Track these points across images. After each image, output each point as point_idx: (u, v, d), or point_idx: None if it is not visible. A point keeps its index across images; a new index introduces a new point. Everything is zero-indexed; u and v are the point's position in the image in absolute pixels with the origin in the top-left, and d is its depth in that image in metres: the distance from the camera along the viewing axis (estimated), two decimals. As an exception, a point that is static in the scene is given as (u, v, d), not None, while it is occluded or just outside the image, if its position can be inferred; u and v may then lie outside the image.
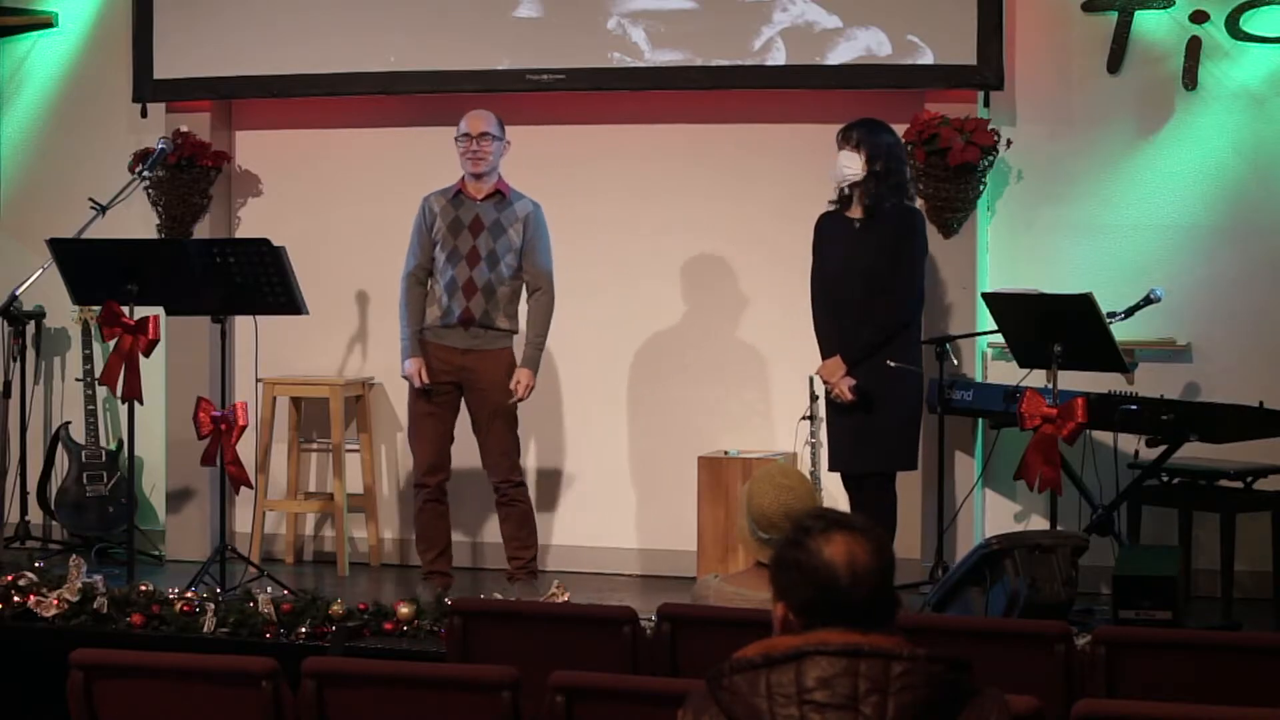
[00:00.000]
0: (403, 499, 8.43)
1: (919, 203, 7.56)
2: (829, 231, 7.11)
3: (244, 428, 7.23)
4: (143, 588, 6.87)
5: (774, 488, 4.57)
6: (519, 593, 7.12)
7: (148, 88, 8.49)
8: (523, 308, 7.38)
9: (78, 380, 8.55)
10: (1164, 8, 7.59)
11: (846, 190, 7.05)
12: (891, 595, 2.90)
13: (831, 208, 7.14)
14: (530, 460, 8.17)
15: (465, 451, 7.47)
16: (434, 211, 7.34)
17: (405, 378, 7.34)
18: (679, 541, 7.87)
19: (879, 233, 6.97)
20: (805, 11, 7.82)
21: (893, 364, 6.92)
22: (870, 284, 6.96)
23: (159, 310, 7.34)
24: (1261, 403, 6.97)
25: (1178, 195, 7.67)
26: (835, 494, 7.36)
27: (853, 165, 6.96)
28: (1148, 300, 7.24)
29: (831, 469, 7.17)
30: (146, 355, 7.22)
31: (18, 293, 7.96)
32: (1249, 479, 7.12)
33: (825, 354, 7.06)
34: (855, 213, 7.05)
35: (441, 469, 7.36)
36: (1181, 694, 4.37)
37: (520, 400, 7.24)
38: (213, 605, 6.69)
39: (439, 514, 7.39)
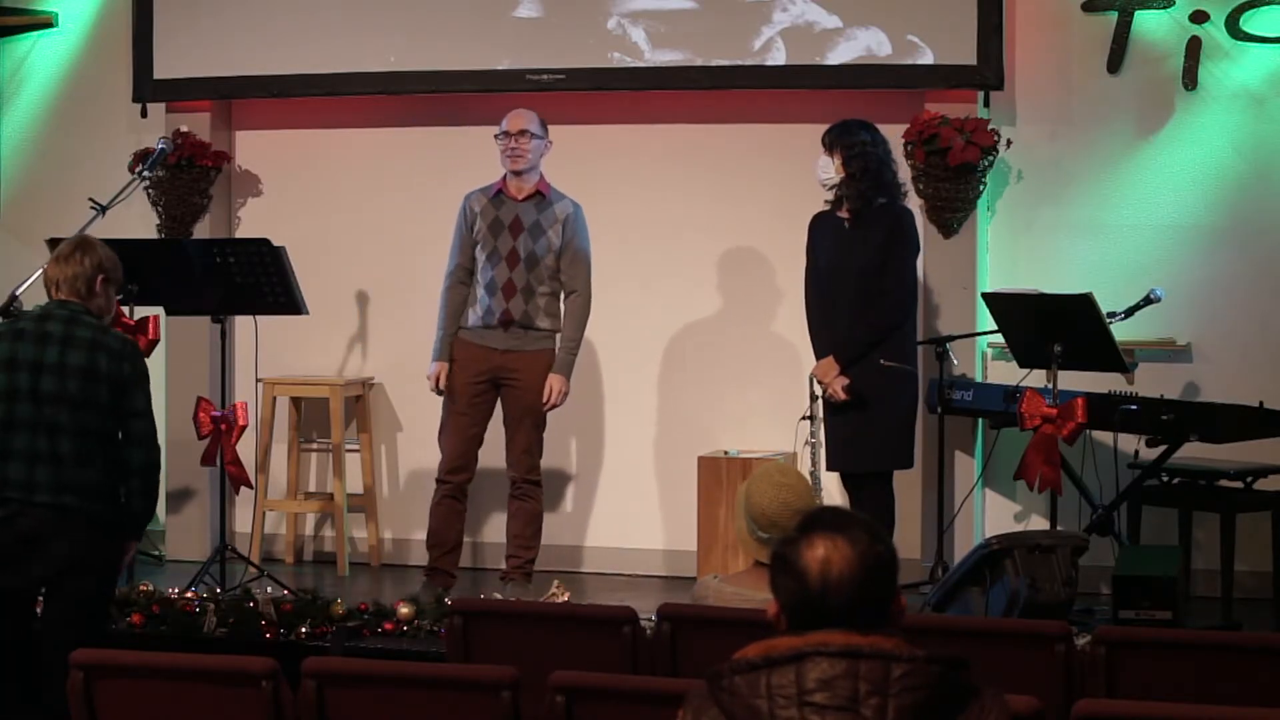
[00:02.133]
0: (403, 499, 8.43)
1: (918, 202, 7.57)
2: (821, 231, 7.10)
3: (244, 428, 7.24)
4: (143, 588, 6.88)
5: (772, 486, 4.57)
6: (511, 593, 7.10)
7: (148, 88, 8.49)
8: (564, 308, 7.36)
9: (78, 380, 8.55)
10: (1164, 8, 7.59)
11: (839, 191, 7.03)
12: (882, 598, 2.87)
13: (826, 207, 7.14)
14: (530, 460, 8.17)
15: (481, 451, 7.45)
16: (475, 211, 7.29)
17: (427, 378, 7.31)
18: (679, 541, 7.87)
19: (868, 233, 6.95)
20: (805, 11, 7.82)
21: (885, 364, 6.91)
22: (861, 284, 6.93)
23: (159, 310, 7.35)
24: (1261, 403, 6.97)
25: (1178, 195, 7.66)
26: (835, 494, 7.36)
27: (827, 170, 6.96)
28: (1148, 300, 7.24)
29: (830, 469, 7.16)
30: (146, 355, 7.22)
31: (18, 293, 7.93)
32: (1249, 479, 7.12)
33: (819, 354, 7.06)
34: (846, 213, 7.04)
35: (464, 469, 7.31)
36: (1181, 694, 4.38)
37: (554, 406, 7.22)
38: (213, 605, 6.70)
39: (455, 512, 7.34)
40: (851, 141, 6.93)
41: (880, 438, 6.96)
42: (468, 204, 7.33)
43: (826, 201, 7.12)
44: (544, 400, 7.19)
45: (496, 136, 7.28)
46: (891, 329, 6.97)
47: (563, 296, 7.31)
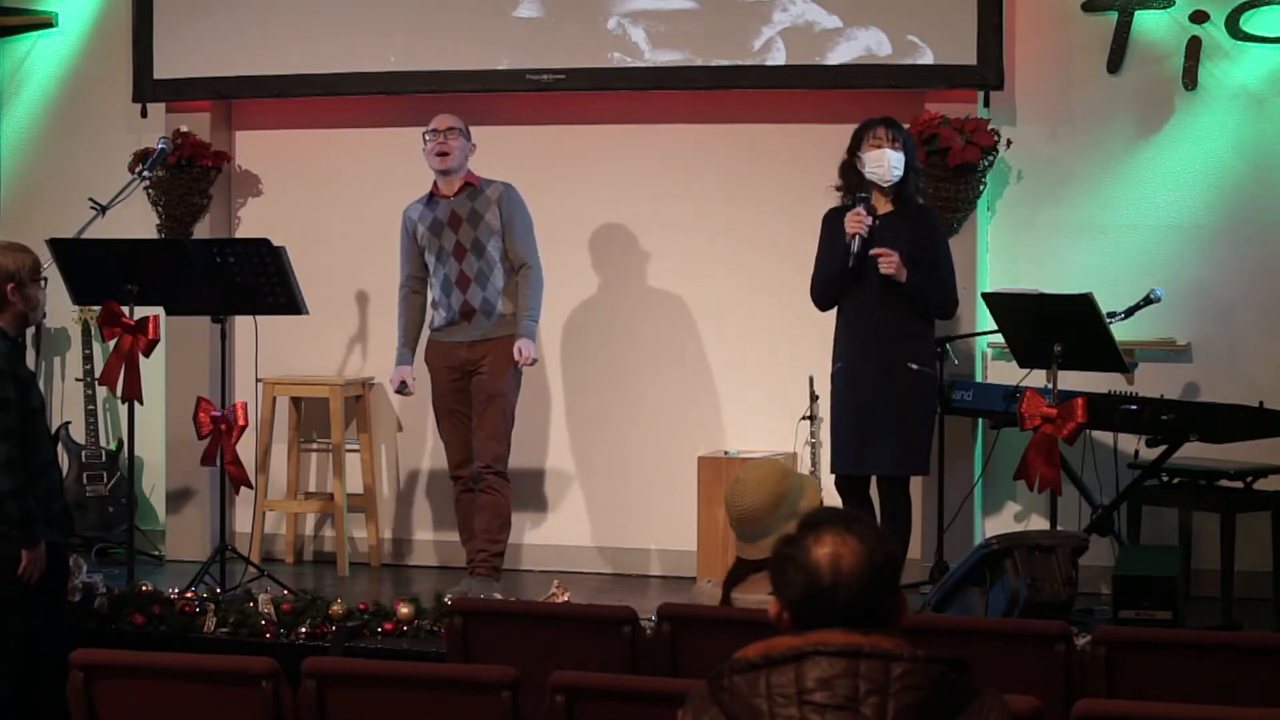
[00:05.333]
0: (403, 499, 8.43)
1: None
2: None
3: (244, 428, 7.24)
4: (143, 588, 6.89)
5: (729, 485, 4.64)
6: (478, 589, 7.07)
7: (148, 88, 8.49)
8: None
9: (78, 380, 8.55)
10: (1164, 8, 7.59)
11: (889, 188, 6.94)
12: (887, 597, 2.87)
13: (839, 203, 7.05)
14: (530, 460, 8.17)
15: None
16: (414, 220, 7.46)
17: (389, 383, 7.45)
18: (679, 541, 7.86)
19: (906, 226, 6.88)
20: (805, 11, 7.82)
21: (914, 367, 6.87)
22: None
23: (159, 310, 7.35)
24: (1261, 403, 6.97)
25: (1178, 195, 7.66)
26: (835, 495, 7.34)
27: (899, 165, 6.90)
28: (1148, 300, 7.24)
29: (838, 469, 7.04)
30: (146, 355, 7.22)
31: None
32: (1249, 479, 7.11)
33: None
34: (878, 208, 6.94)
35: (471, 460, 7.40)
36: (1181, 694, 4.37)
37: (527, 364, 7.27)
38: (213, 605, 6.70)
39: (474, 504, 7.42)
40: (909, 137, 6.95)
41: (903, 441, 6.86)
42: (406, 216, 7.50)
43: (845, 197, 6.99)
44: (514, 361, 7.25)
45: (425, 136, 7.39)
46: (946, 311, 7.04)
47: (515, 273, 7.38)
